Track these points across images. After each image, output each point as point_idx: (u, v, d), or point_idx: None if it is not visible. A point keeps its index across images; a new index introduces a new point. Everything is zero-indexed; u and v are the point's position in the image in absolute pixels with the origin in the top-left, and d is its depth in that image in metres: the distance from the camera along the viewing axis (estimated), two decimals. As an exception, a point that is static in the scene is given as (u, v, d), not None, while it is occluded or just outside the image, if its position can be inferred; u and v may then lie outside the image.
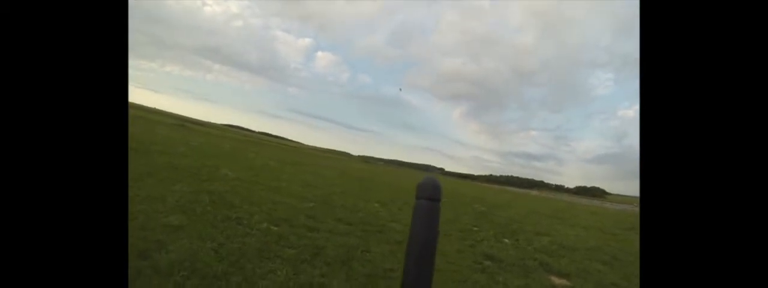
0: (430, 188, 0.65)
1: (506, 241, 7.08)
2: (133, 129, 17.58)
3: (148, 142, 12.64)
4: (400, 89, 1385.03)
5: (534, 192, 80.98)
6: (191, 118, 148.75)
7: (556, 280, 4.61)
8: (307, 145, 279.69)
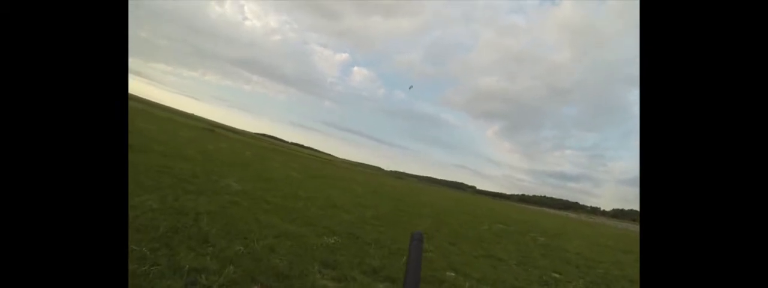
0: (418, 234, 0.83)
1: (611, 302, 4.86)
2: (152, 127, 16.23)
3: (156, 141, 11.01)
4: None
5: (571, 214, 76.27)
6: (225, 125, 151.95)
7: None
8: (339, 158, 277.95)
